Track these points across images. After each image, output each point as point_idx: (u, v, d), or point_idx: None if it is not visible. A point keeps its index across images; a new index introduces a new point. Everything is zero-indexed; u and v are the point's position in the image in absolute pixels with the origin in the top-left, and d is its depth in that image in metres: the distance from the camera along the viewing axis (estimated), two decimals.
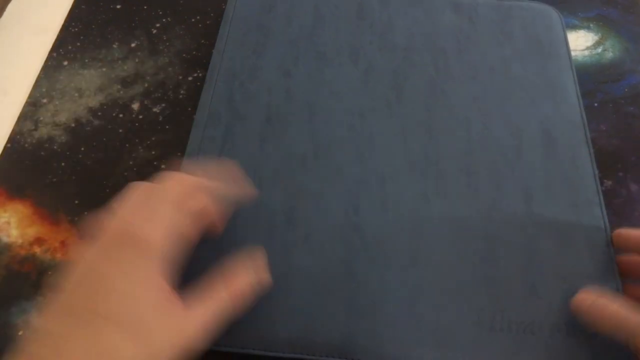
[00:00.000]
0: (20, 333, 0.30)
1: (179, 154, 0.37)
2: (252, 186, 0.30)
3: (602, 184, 0.36)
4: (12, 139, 0.38)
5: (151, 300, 0.20)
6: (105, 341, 0.19)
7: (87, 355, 0.19)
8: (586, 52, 0.43)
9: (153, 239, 0.22)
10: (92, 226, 0.23)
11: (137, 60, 0.42)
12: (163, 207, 0.23)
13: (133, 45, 0.43)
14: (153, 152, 0.37)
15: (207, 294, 0.23)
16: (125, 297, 0.20)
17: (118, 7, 0.45)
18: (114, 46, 0.43)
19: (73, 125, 0.38)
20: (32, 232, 0.34)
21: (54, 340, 0.19)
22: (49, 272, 0.32)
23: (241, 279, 0.25)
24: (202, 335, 0.22)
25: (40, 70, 0.41)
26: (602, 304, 0.26)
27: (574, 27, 0.44)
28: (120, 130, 0.38)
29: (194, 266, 0.29)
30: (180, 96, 0.40)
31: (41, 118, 0.39)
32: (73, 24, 0.44)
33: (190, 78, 0.41)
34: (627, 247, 0.30)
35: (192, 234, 0.25)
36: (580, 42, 0.43)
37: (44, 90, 0.40)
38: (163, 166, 0.37)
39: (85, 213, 0.35)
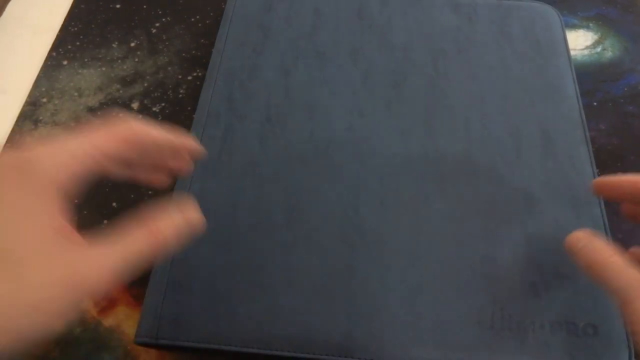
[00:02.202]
0: None
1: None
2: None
3: None
4: (12, 138, 0.38)
5: (35, 235, 0.18)
6: None
7: None
8: (585, 52, 0.43)
9: (49, 166, 0.20)
10: None
11: (136, 59, 0.42)
12: (69, 139, 0.21)
13: (132, 44, 0.43)
14: None
15: (118, 235, 0.20)
16: (5, 232, 0.18)
17: (118, 6, 0.45)
18: (114, 46, 0.43)
19: (73, 124, 0.38)
20: None
21: None
22: None
23: (162, 220, 0.22)
24: (103, 275, 0.19)
25: (40, 70, 0.41)
26: (595, 248, 0.24)
27: (574, 27, 0.44)
28: None
29: (193, 267, 0.29)
30: (180, 96, 0.40)
31: (41, 117, 0.39)
32: (73, 23, 0.44)
33: (189, 77, 0.41)
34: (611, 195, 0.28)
35: (101, 162, 0.22)
36: (580, 41, 0.43)
37: (43, 89, 0.40)
38: None
39: (85, 212, 0.35)
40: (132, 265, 0.20)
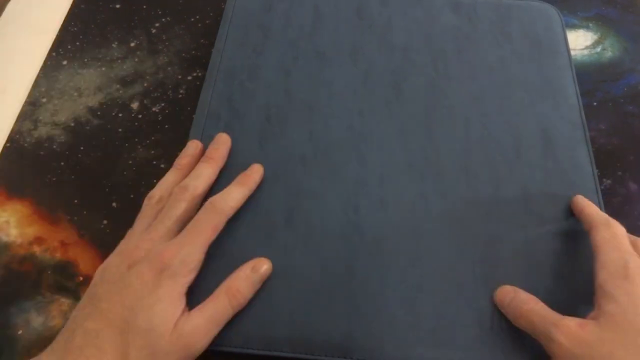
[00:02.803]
0: (20, 332, 0.30)
1: (178, 153, 0.37)
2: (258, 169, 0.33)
3: (601, 183, 0.36)
4: (12, 138, 0.38)
5: (167, 315, 0.26)
6: (131, 350, 0.25)
7: (115, 351, 0.24)
8: (585, 52, 0.43)
9: (185, 275, 0.27)
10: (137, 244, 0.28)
11: (136, 59, 0.42)
12: (196, 249, 0.28)
13: (132, 44, 0.43)
14: (152, 152, 0.37)
15: (208, 300, 0.27)
16: (150, 312, 0.25)
17: (117, 6, 0.45)
18: (114, 46, 0.43)
19: (72, 124, 0.38)
20: (31, 231, 0.34)
21: (96, 339, 0.25)
22: (49, 272, 0.32)
23: (236, 276, 0.28)
24: (198, 334, 0.26)
25: (40, 70, 0.41)
26: (520, 299, 0.28)
27: (574, 27, 0.44)
28: (120, 130, 0.38)
29: None
30: (180, 95, 0.40)
31: (40, 117, 0.39)
32: (72, 23, 0.44)
33: (189, 77, 0.41)
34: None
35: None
36: (580, 41, 0.43)
37: (43, 89, 0.40)
38: (162, 165, 0.37)
39: (85, 212, 0.35)
40: (220, 321, 0.27)
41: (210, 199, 0.30)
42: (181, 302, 0.26)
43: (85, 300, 0.27)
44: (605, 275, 0.26)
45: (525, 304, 0.27)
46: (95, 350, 0.24)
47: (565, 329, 0.24)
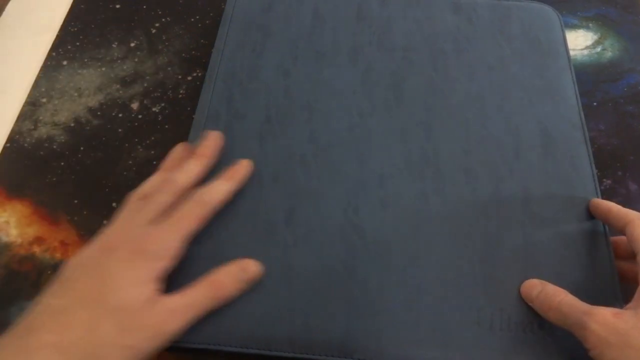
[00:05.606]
0: None
1: None
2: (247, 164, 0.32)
3: (601, 183, 0.36)
4: (12, 138, 0.38)
5: (139, 294, 0.25)
6: (99, 326, 0.24)
7: (82, 326, 0.24)
8: (585, 52, 0.43)
9: (162, 260, 0.27)
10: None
11: (136, 59, 0.42)
12: (176, 237, 0.27)
13: (132, 44, 0.43)
14: (152, 152, 0.37)
15: (189, 286, 0.27)
16: (121, 290, 0.25)
17: (117, 6, 0.45)
18: (114, 46, 0.43)
19: (72, 124, 0.39)
20: (31, 231, 0.34)
21: (61, 315, 0.24)
22: (49, 272, 0.32)
23: (223, 270, 0.28)
24: (171, 317, 0.25)
25: (40, 70, 0.41)
26: (549, 292, 0.27)
27: (573, 27, 0.44)
28: (120, 130, 0.38)
29: (193, 266, 0.29)
30: (180, 96, 0.40)
31: (40, 118, 0.39)
32: (72, 23, 0.44)
33: (189, 78, 0.41)
34: (605, 220, 0.31)
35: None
36: (580, 41, 0.44)
37: (43, 89, 0.40)
38: None
39: (85, 212, 0.35)
40: (197, 309, 0.26)
41: (196, 190, 0.29)
42: (155, 284, 0.26)
43: (52, 285, 0.26)
44: None
45: (555, 297, 0.27)
46: (58, 325, 0.24)
47: (600, 317, 0.24)
